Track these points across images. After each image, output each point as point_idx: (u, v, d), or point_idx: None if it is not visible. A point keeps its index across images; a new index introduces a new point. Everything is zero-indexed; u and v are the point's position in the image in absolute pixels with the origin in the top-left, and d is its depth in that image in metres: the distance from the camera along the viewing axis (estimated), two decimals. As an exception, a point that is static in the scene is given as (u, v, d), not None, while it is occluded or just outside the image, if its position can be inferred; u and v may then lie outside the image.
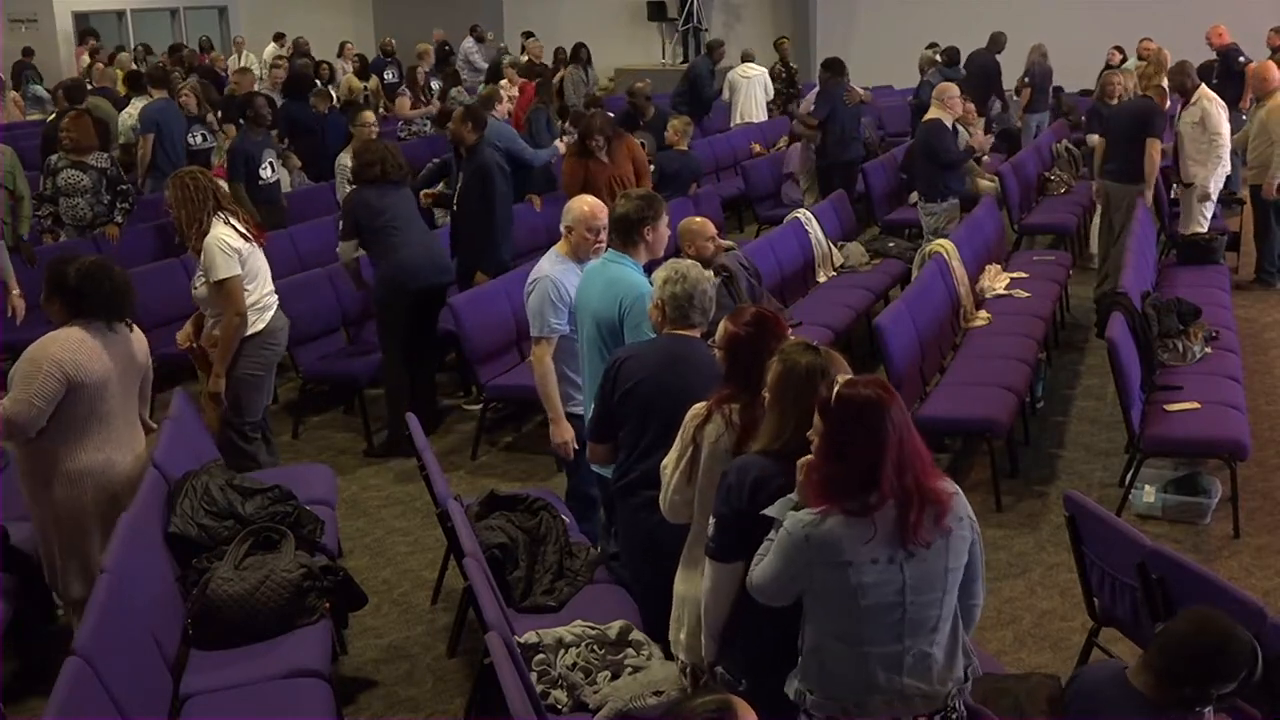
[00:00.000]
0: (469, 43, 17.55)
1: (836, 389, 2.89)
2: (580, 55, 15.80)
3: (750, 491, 3.05)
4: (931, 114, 9.09)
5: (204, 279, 5.47)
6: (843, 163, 10.96)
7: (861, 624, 2.86)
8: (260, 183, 9.08)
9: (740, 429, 3.33)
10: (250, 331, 5.54)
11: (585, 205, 5.01)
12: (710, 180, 12.01)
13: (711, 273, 4.44)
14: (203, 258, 5.43)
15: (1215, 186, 8.90)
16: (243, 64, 16.06)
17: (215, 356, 5.52)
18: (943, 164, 8.93)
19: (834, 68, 11.16)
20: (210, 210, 5.43)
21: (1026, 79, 13.38)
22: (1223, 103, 8.96)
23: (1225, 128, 8.79)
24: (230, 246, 5.43)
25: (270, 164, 9.22)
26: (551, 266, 4.98)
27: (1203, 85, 9.03)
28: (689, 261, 4.13)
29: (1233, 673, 2.92)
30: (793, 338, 3.40)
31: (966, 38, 14.27)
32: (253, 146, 9.12)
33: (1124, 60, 13.36)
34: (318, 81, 13.36)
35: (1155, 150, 8.61)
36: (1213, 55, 11.98)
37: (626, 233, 4.66)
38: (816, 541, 2.82)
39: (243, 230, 5.52)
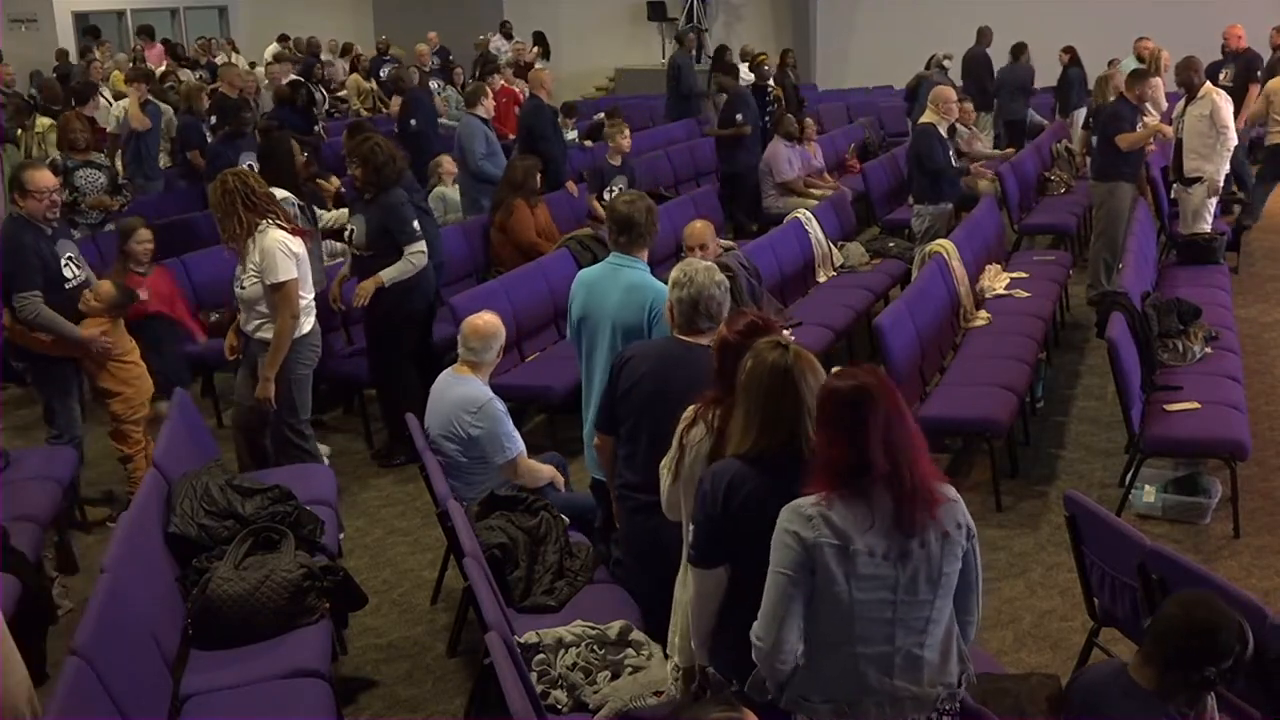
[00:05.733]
0: (498, 39, 17.82)
1: (828, 378, 2.90)
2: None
3: (724, 496, 3.04)
4: (926, 118, 9.08)
5: (256, 279, 5.47)
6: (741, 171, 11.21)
7: (852, 622, 2.85)
8: None
9: (718, 432, 3.32)
10: (300, 333, 5.56)
11: (496, 327, 5.00)
12: (710, 180, 12.03)
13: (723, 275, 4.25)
14: (261, 259, 5.42)
15: (1221, 180, 8.95)
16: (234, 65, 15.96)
17: (266, 361, 5.51)
18: (925, 171, 8.90)
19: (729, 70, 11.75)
20: (259, 211, 5.43)
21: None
22: (1229, 98, 8.99)
23: (1232, 121, 8.86)
24: (290, 249, 5.44)
25: (251, 165, 9.16)
26: (479, 389, 4.90)
27: (1208, 82, 9.06)
28: (703, 264, 4.01)
29: (1228, 647, 2.93)
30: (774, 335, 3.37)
31: (966, 38, 14.28)
32: (230, 149, 9.05)
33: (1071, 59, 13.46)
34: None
35: (1122, 142, 8.61)
36: (1215, 55, 12.00)
37: (635, 234, 4.58)
38: (819, 521, 2.81)
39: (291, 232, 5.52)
